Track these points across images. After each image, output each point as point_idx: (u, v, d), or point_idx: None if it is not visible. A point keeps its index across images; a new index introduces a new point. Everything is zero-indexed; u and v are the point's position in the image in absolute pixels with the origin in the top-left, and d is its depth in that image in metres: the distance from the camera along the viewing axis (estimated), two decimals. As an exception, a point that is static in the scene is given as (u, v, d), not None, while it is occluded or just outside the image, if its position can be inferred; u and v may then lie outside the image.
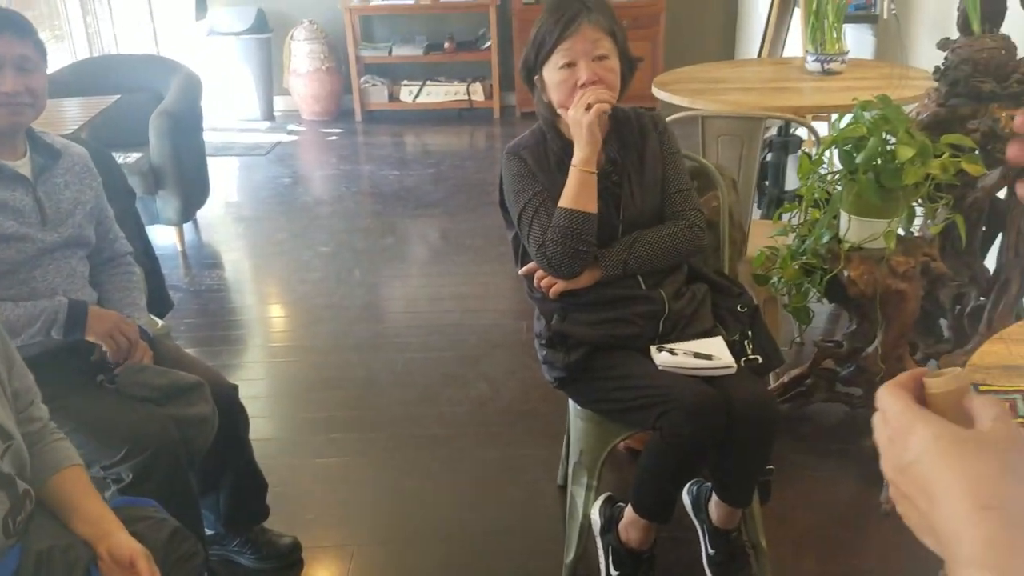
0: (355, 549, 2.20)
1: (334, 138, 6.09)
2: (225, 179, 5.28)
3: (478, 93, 6.43)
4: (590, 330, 1.84)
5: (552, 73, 1.82)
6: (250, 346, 3.34)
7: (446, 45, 6.39)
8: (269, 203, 4.85)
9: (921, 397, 0.59)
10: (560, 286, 1.86)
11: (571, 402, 2.02)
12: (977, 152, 2.20)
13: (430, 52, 6.39)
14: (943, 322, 2.64)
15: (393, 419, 2.75)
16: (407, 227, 4.48)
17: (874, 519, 2.23)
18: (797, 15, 4.37)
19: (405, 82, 6.52)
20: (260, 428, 2.32)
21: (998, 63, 2.15)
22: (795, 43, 4.34)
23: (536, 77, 1.87)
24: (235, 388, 1.94)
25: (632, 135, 1.92)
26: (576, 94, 1.78)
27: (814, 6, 3.47)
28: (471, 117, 6.42)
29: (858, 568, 2.10)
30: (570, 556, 2.00)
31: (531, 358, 3.03)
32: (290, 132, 6.21)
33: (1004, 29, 2.24)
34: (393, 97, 6.50)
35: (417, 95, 6.47)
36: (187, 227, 4.23)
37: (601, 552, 1.99)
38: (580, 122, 1.76)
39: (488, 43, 6.30)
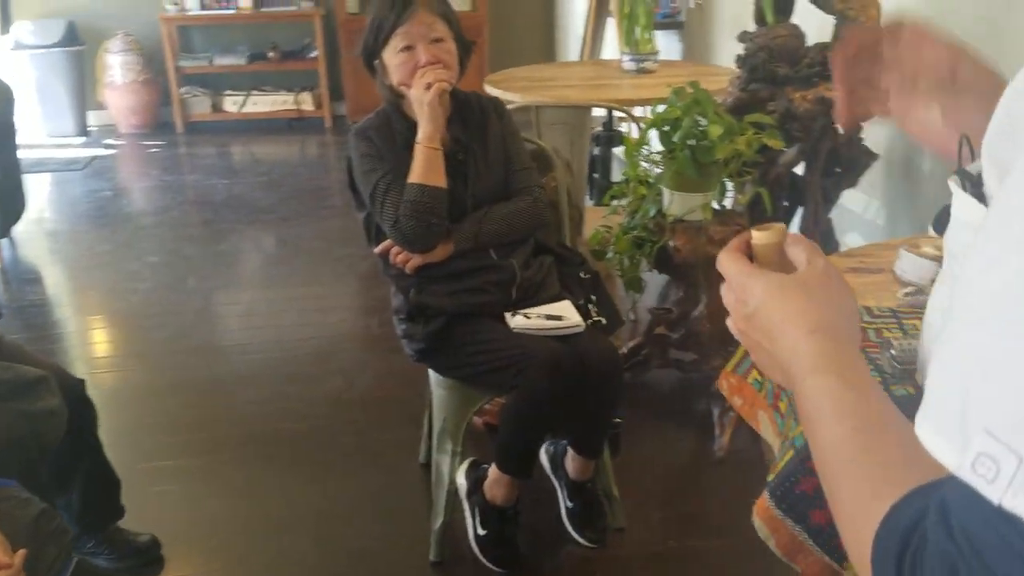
0: (216, 544, 2.16)
1: (155, 150, 5.85)
2: (41, 195, 4.96)
3: (307, 103, 6.37)
4: (448, 300, 1.93)
5: (392, 56, 1.90)
6: (81, 357, 3.17)
7: (270, 55, 6.29)
8: (89, 217, 4.61)
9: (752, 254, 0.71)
10: (416, 260, 1.94)
11: (432, 374, 2.09)
12: (777, 129, 2.47)
13: (254, 62, 6.27)
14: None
15: (242, 418, 2.72)
16: (241, 234, 4.39)
17: (708, 467, 2.45)
18: (612, 22, 4.67)
19: (228, 92, 6.36)
20: (102, 436, 2.23)
21: (791, 49, 2.44)
22: (611, 47, 4.63)
23: (376, 61, 1.95)
24: (82, 382, 1.88)
25: (474, 116, 2.03)
26: (417, 74, 1.87)
27: (626, 10, 3.74)
28: (301, 127, 6.36)
29: (699, 509, 2.31)
30: (438, 522, 2.07)
31: (385, 350, 3.09)
32: (107, 146, 5.90)
33: (793, 19, 2.53)
34: (217, 108, 6.33)
35: (243, 105, 6.32)
36: (3, 244, 3.96)
37: (468, 514, 2.07)
38: (422, 100, 1.86)
39: (314, 52, 6.26)
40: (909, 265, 1.52)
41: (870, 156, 2.71)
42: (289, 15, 6.26)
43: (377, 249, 2.02)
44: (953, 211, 0.55)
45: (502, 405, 1.97)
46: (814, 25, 2.57)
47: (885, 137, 2.78)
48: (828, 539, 1.19)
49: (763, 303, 0.65)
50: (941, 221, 0.60)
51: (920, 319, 1.38)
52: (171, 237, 4.29)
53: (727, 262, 0.70)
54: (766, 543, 1.26)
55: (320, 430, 2.64)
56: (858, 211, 3.06)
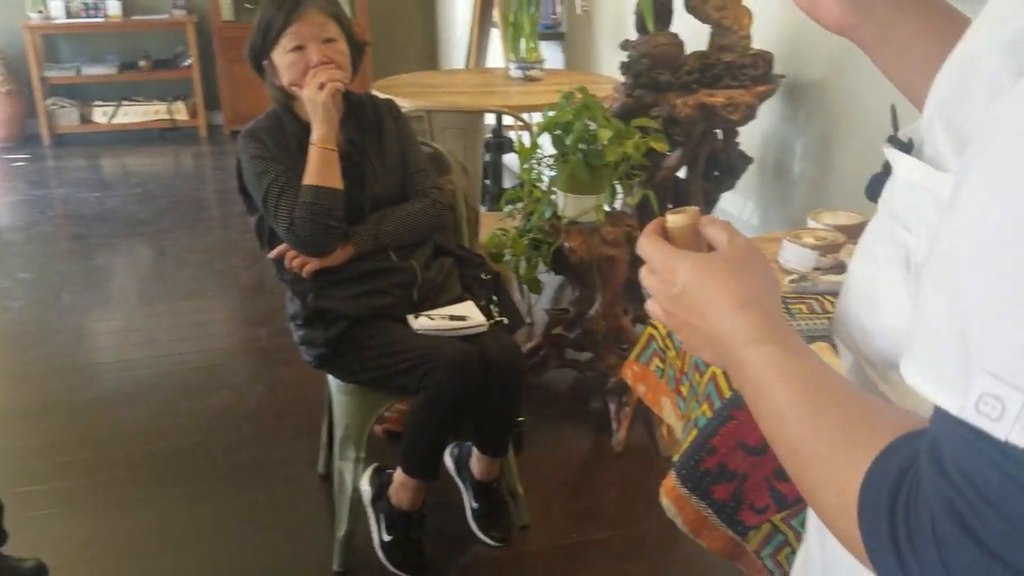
0: (107, 565, 2.06)
1: (20, 164, 5.52)
2: None
3: (181, 112, 6.16)
4: (348, 303, 1.91)
5: (282, 56, 1.87)
6: (-55, 384, 2.96)
7: (142, 64, 6.05)
8: (-54, 234, 4.30)
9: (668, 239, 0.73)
10: (313, 264, 1.91)
11: (332, 381, 2.06)
12: (662, 133, 2.57)
13: (124, 71, 6.02)
14: (647, 287, 3.02)
15: (130, 436, 2.60)
16: (117, 248, 4.19)
17: (607, 461, 2.51)
18: (496, 32, 4.73)
19: (98, 103, 6.07)
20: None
21: (671, 57, 2.54)
22: (496, 56, 4.69)
23: (265, 62, 1.92)
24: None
25: (369, 118, 2.02)
26: (309, 74, 1.85)
27: (511, 20, 3.81)
28: (176, 137, 6.13)
29: (599, 502, 2.36)
30: (342, 531, 2.04)
31: (276, 361, 3.02)
32: (-36, 160, 5.53)
33: (672, 28, 2.64)
34: (86, 119, 6.02)
35: (113, 116, 6.05)
36: None
37: (373, 520, 2.05)
38: (315, 101, 1.84)
39: (188, 61, 6.06)
40: (792, 254, 1.61)
41: (745, 160, 2.85)
42: (161, 23, 6.04)
43: (271, 254, 1.98)
44: (896, 174, 0.57)
45: (408, 407, 1.96)
46: (691, 34, 2.69)
47: (759, 142, 2.94)
48: (731, 513, 1.25)
49: (690, 282, 0.65)
50: (873, 189, 0.62)
51: (804, 304, 1.47)
52: (41, 253, 4.06)
53: (648, 245, 0.70)
54: (673, 522, 1.31)
55: (212, 445, 2.55)
56: (736, 212, 3.21)
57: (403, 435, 1.95)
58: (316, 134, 1.85)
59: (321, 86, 1.81)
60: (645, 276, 0.70)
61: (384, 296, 1.93)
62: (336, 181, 1.86)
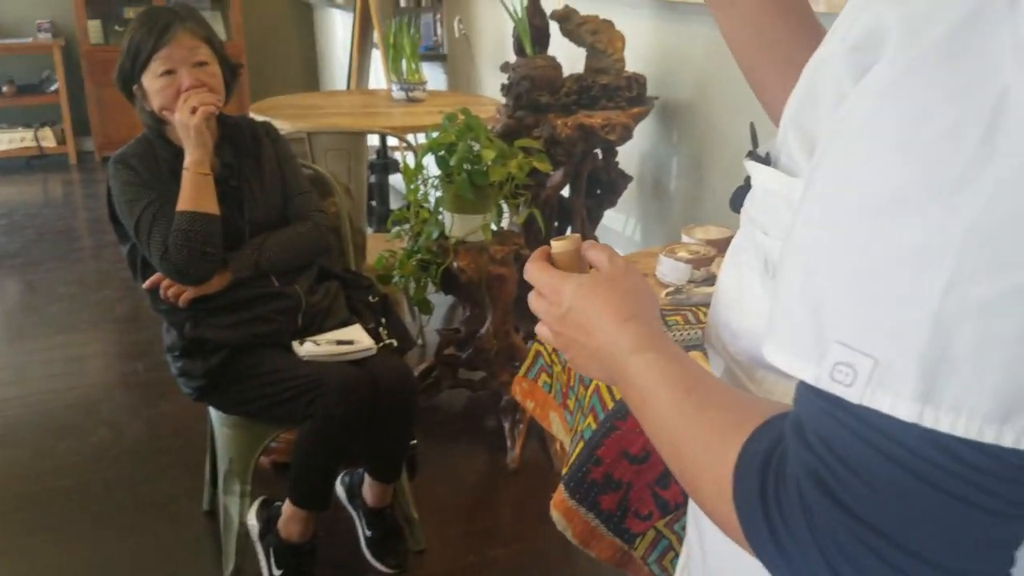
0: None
1: None
2: None
3: (49, 139, 5.86)
4: (229, 332, 1.86)
5: (152, 81, 1.82)
6: None
7: (5, 89, 5.74)
8: None
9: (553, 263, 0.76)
10: (190, 293, 1.85)
11: (214, 413, 2.00)
12: (544, 153, 2.62)
13: (-16, 96, 5.69)
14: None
15: (2, 479, 2.44)
16: (-20, 283, 3.94)
17: (503, 479, 2.52)
18: (377, 53, 4.72)
19: (-45, 129, 5.72)
20: None
21: (550, 79, 2.60)
22: (377, 77, 4.68)
23: (135, 87, 1.86)
24: None
25: (245, 141, 1.98)
26: (180, 98, 1.80)
27: (391, 41, 3.81)
28: (43, 165, 5.83)
29: (496, 520, 2.36)
30: (229, 568, 1.97)
31: (155, 396, 2.90)
32: None
33: (550, 51, 2.70)
34: (-60, 146, 5.66)
35: (-28, 143, 5.70)
36: None
37: (262, 555, 1.99)
38: (187, 125, 1.79)
39: (55, 86, 5.79)
40: (668, 269, 1.67)
41: (625, 178, 2.94)
42: (25, 47, 5.75)
43: (145, 284, 1.90)
44: (755, 184, 0.61)
45: (296, 436, 1.92)
46: (569, 57, 2.76)
47: (637, 161, 3.03)
48: (617, 522, 1.28)
49: (575, 301, 0.69)
50: (736, 201, 0.66)
51: (680, 315, 1.52)
52: None
53: (534, 270, 0.73)
54: (564, 535, 1.32)
55: (91, 486, 2.42)
56: (618, 228, 3.29)
57: (291, 465, 1.91)
58: (189, 159, 1.80)
59: (193, 110, 1.76)
60: (533, 300, 0.73)
61: (267, 323, 1.89)
62: (211, 206, 1.81)
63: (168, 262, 1.79)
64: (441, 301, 2.80)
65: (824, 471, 0.44)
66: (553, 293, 0.70)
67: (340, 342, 1.90)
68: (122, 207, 1.85)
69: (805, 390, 0.46)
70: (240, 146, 1.95)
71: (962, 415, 0.40)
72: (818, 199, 0.46)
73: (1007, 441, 0.39)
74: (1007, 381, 0.39)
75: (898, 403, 0.41)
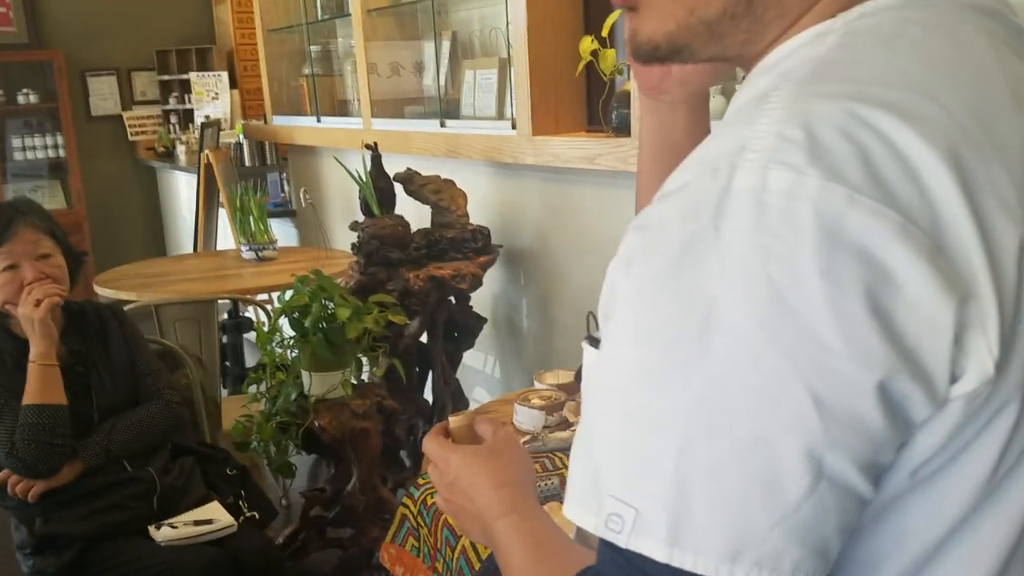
0: None
1: None
2: None
3: None
4: (82, 524, 1.79)
5: None
6: None
7: None
8: None
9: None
10: (40, 487, 1.78)
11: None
12: (399, 306, 2.71)
13: None
14: (403, 452, 3.07)
15: None
16: None
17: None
18: (223, 213, 4.74)
19: None
20: None
21: (399, 236, 2.72)
22: (227, 236, 4.69)
23: (-23, 282, 1.83)
24: None
25: (92, 326, 1.96)
26: (24, 292, 1.79)
27: (238, 204, 3.85)
28: None
29: None
30: None
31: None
32: None
33: (397, 210, 2.84)
34: None
35: None
36: None
37: None
38: (32, 318, 1.78)
39: None
40: (523, 416, 1.75)
41: (480, 320, 3.06)
42: None
43: (-10, 482, 1.81)
44: (584, 364, 0.74)
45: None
46: (416, 212, 2.90)
47: (490, 303, 3.17)
48: None
49: (461, 470, 0.79)
50: (579, 377, 0.79)
51: (539, 463, 1.60)
52: None
53: (429, 443, 0.84)
54: None
55: None
56: (479, 368, 3.39)
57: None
58: (35, 351, 1.77)
59: (37, 303, 1.75)
60: (430, 471, 0.83)
61: (121, 510, 1.83)
62: (59, 397, 1.77)
63: (15, 458, 1.74)
64: (304, 460, 2.77)
65: None
66: (442, 462, 0.81)
67: (198, 522, 1.86)
68: (-39, 404, 1.77)
69: (599, 540, 0.54)
70: (86, 332, 1.93)
71: (700, 555, 0.48)
72: (597, 373, 0.56)
73: None
74: (733, 526, 0.48)
75: (654, 546, 0.49)
